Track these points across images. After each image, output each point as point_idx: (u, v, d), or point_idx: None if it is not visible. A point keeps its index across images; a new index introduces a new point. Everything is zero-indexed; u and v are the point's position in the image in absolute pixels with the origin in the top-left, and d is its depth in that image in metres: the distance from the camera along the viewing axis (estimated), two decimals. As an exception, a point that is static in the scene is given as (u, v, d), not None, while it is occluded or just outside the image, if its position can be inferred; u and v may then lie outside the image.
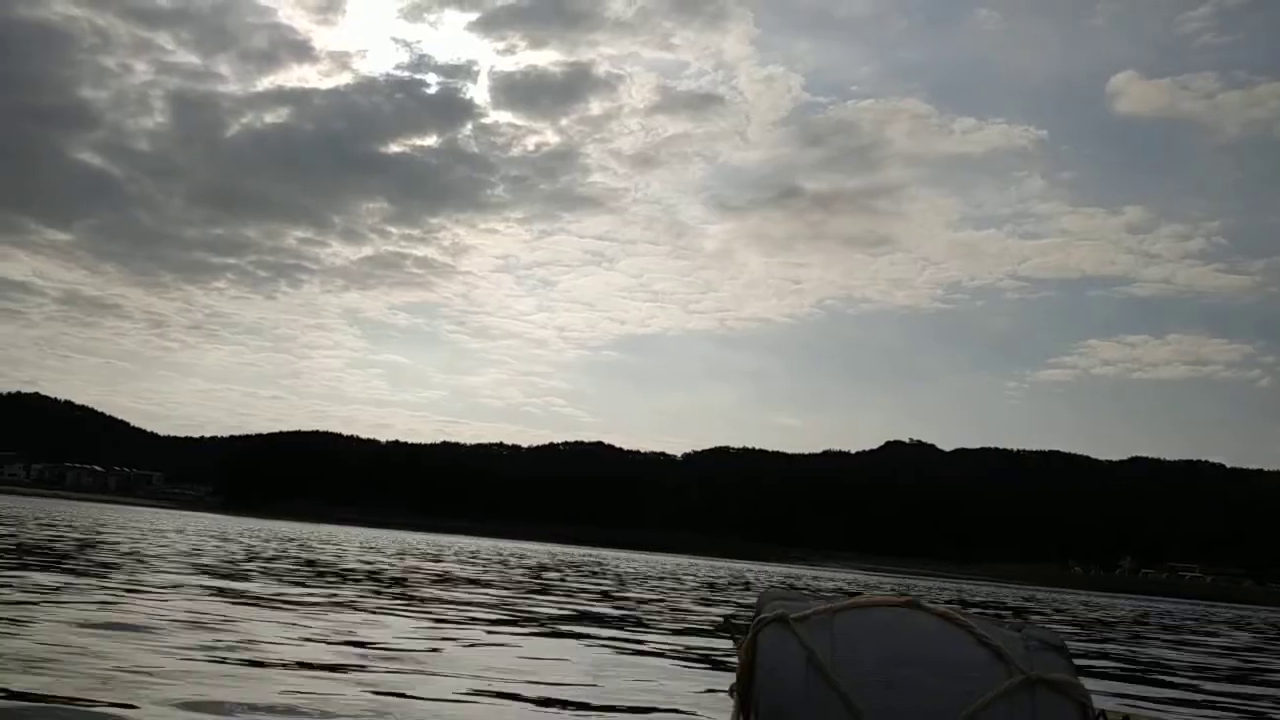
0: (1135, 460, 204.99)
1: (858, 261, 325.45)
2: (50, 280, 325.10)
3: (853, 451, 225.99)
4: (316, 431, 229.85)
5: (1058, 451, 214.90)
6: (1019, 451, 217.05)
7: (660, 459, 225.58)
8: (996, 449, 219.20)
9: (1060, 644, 1.82)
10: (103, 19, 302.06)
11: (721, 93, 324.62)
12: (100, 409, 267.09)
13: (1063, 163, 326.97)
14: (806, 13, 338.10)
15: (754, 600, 1.92)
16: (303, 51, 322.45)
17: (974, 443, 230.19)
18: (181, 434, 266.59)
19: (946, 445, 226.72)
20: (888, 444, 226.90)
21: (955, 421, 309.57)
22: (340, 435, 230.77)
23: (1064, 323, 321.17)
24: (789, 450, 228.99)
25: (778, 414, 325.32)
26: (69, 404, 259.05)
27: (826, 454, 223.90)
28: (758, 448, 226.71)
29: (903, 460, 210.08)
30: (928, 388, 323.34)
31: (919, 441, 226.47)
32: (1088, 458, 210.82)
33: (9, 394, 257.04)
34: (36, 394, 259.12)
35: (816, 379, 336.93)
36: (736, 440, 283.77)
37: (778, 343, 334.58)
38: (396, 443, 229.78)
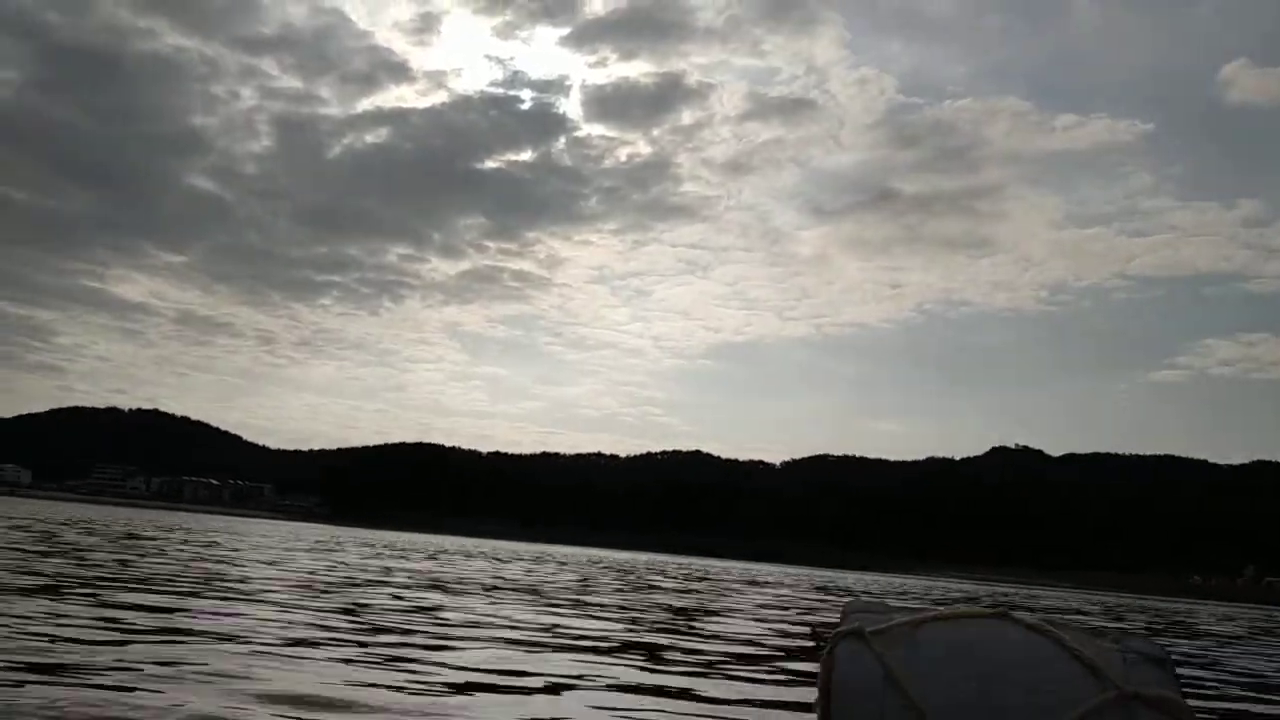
0: (1258, 464, 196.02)
1: (958, 264, 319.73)
2: (167, 301, 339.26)
3: (956, 458, 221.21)
4: (420, 443, 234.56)
5: (1173, 456, 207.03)
6: (1132, 456, 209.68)
7: (758, 467, 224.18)
8: (1108, 454, 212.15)
9: (1163, 657, 1.72)
10: (211, 48, 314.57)
11: (813, 97, 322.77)
12: (215, 424, 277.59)
13: (1171, 156, 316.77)
14: (898, 14, 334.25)
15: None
16: (400, 72, 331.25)
17: (1084, 448, 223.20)
18: (291, 447, 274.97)
19: (1054, 451, 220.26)
20: (993, 450, 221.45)
21: (1063, 426, 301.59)
22: (443, 447, 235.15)
23: (1177, 322, 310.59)
24: (890, 457, 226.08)
25: (878, 420, 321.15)
26: (186, 419, 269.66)
27: (929, 461, 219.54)
28: (858, 455, 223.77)
29: (1009, 467, 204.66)
30: (1034, 392, 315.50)
31: (1025, 447, 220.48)
32: (1206, 462, 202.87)
33: (131, 410, 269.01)
34: (156, 410, 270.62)
35: (918, 384, 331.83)
36: (836, 447, 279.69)
37: (876, 348, 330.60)
38: (498, 453, 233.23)
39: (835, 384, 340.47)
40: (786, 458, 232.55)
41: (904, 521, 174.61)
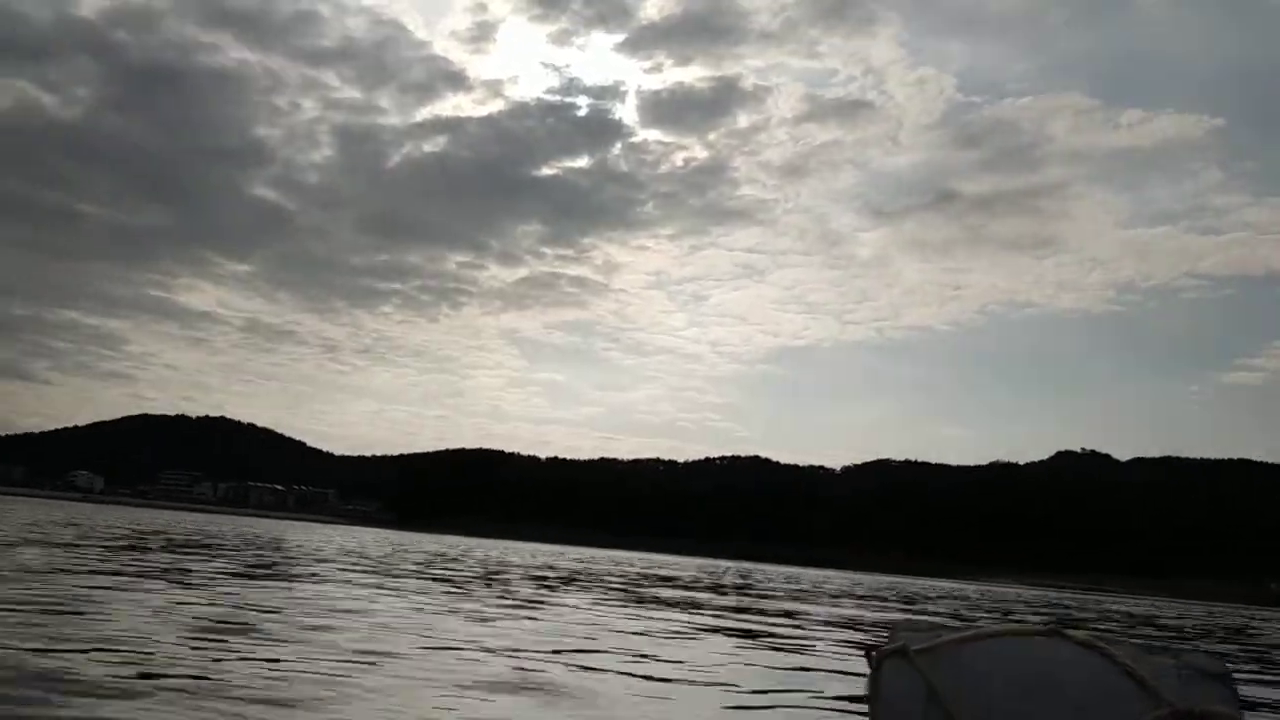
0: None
1: (1022, 265, 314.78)
2: (233, 310, 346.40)
3: (1021, 463, 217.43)
4: (480, 449, 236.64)
5: (1247, 460, 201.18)
6: (1203, 461, 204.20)
7: (819, 472, 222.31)
8: (1178, 458, 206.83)
9: (1222, 672, 1.66)
10: (273, 61, 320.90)
11: (871, 98, 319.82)
12: (280, 430, 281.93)
13: (1243, 152, 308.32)
14: (957, 12, 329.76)
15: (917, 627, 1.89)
16: (458, 81, 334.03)
17: (1153, 452, 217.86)
18: (353, 452, 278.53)
19: (1122, 455, 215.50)
20: (1059, 454, 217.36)
21: (1131, 430, 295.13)
22: (502, 452, 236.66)
23: (1250, 322, 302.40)
24: (953, 462, 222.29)
25: (941, 425, 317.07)
26: (252, 426, 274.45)
27: (994, 465, 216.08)
28: (920, 460, 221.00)
29: (1075, 471, 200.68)
30: (1101, 395, 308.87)
31: (1092, 451, 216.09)
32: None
33: (199, 417, 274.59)
34: (223, 417, 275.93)
35: (981, 388, 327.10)
36: (898, 452, 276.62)
37: (939, 351, 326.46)
38: (556, 459, 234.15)
39: (896, 388, 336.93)
40: (847, 463, 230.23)
41: (968, 528, 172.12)
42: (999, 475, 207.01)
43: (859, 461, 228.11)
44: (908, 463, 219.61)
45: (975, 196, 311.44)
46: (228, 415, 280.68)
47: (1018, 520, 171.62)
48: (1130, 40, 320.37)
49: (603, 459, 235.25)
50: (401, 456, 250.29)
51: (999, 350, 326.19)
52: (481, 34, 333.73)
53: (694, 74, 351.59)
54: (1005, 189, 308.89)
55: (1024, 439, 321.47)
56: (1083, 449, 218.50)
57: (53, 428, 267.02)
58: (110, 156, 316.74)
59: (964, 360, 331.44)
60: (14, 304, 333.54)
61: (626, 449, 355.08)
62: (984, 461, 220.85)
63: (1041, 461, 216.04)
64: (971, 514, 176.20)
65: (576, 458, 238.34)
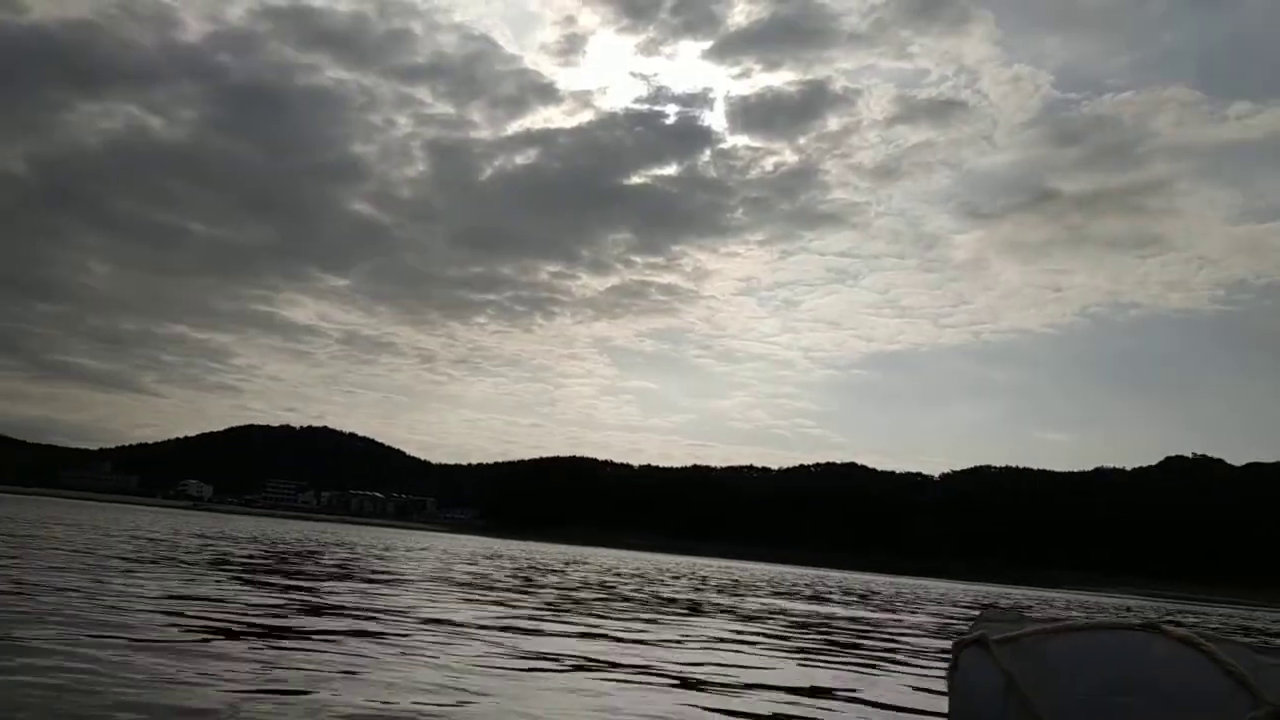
0: None
1: (1125, 264, 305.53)
2: (332, 322, 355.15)
3: (1128, 469, 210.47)
4: (574, 457, 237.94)
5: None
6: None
7: (916, 479, 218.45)
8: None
9: None
10: (368, 79, 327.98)
11: (964, 97, 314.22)
12: (379, 439, 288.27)
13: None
14: (1052, 7, 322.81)
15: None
16: (548, 94, 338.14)
17: (1269, 456, 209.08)
18: (450, 461, 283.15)
19: (1236, 460, 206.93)
20: (1167, 460, 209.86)
21: (1245, 434, 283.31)
22: (595, 460, 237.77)
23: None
24: (1056, 468, 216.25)
25: (1043, 430, 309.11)
26: (353, 435, 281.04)
27: (1098, 472, 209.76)
28: (1022, 466, 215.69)
29: (1185, 478, 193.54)
30: (1211, 398, 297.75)
31: (1203, 456, 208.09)
32: None
33: (302, 427, 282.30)
34: (325, 427, 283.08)
35: (1084, 392, 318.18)
36: (998, 459, 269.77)
37: (1039, 355, 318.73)
38: (649, 466, 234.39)
39: (996, 393, 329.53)
40: (946, 469, 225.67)
41: (1072, 536, 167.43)
42: (1105, 482, 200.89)
43: (958, 468, 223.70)
44: (1008, 469, 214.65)
45: (1075, 195, 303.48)
46: (329, 425, 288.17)
47: (1124, 528, 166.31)
48: (1234, 29, 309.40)
49: (696, 466, 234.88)
50: (497, 465, 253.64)
51: (1102, 353, 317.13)
52: (571, 46, 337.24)
53: (783, 78, 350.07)
54: (1107, 187, 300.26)
55: (1130, 444, 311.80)
56: (1193, 454, 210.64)
57: (163, 438, 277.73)
58: (215, 176, 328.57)
59: (1065, 363, 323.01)
60: (126, 319, 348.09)
61: (719, 456, 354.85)
62: (1088, 468, 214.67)
63: (1149, 467, 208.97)
64: (1076, 521, 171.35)
65: (670, 465, 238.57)
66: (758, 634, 8.36)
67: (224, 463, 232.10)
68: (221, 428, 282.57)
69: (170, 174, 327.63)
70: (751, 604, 13.87)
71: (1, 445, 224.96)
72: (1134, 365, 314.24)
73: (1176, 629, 1.63)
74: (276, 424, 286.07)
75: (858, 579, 53.31)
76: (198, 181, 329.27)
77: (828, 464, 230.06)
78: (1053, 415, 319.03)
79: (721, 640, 7.36)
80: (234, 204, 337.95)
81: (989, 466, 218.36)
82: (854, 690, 5.15)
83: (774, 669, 5.83)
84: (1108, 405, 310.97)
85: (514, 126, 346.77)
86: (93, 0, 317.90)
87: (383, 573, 12.93)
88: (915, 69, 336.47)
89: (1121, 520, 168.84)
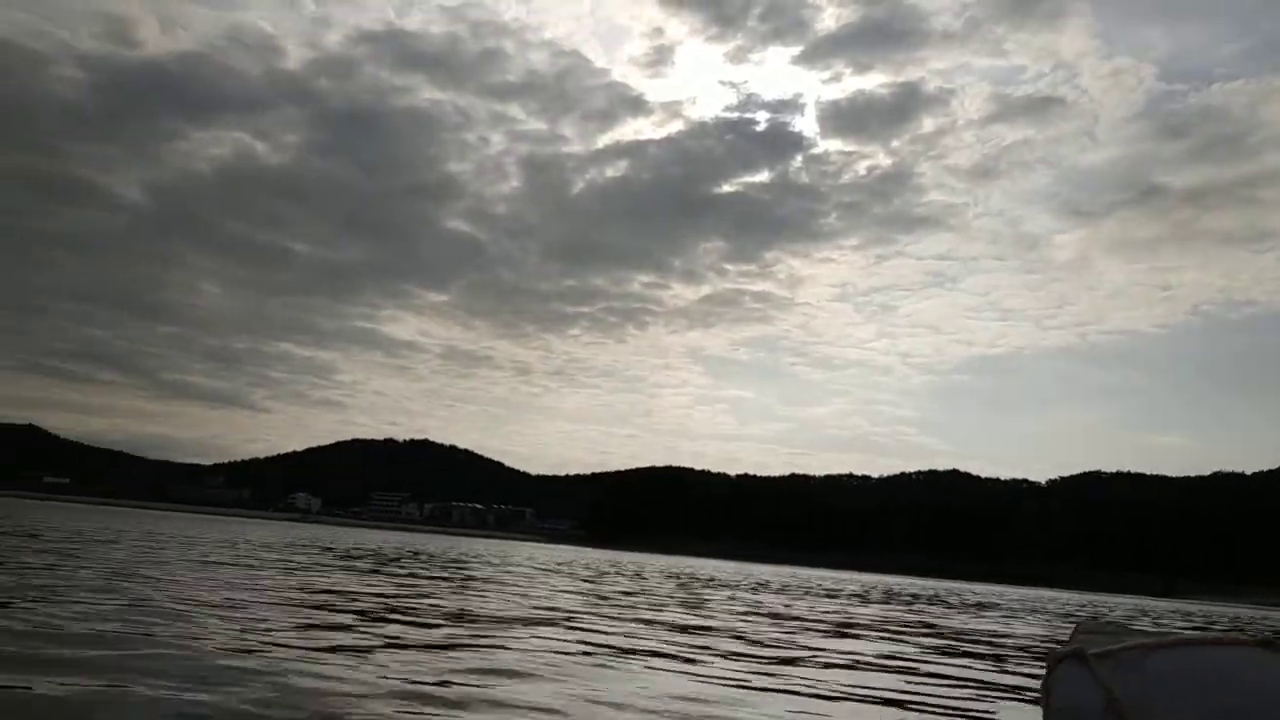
0: None
1: (1239, 260, 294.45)
2: (432, 338, 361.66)
3: (1248, 473, 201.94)
4: (670, 467, 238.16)
5: None
6: None
7: (1022, 486, 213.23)
8: None
9: None
10: (463, 99, 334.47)
11: (1063, 93, 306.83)
12: (479, 451, 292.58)
13: None
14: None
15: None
16: (637, 106, 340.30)
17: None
18: (548, 472, 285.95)
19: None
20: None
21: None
22: (692, 470, 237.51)
23: None
24: (1171, 473, 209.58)
25: (1155, 434, 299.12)
26: (453, 448, 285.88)
27: (1216, 476, 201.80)
28: (1134, 471, 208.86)
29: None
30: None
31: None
32: None
33: (405, 441, 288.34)
34: (426, 440, 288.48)
35: (1198, 393, 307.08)
36: (1108, 464, 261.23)
37: (1148, 356, 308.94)
38: (746, 475, 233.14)
39: (1104, 396, 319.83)
40: (1053, 476, 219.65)
41: (1191, 543, 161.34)
42: (1224, 486, 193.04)
43: (1066, 474, 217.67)
44: (1120, 474, 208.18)
45: (1184, 190, 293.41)
46: (431, 438, 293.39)
47: (1244, 534, 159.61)
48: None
49: (794, 474, 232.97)
50: (595, 475, 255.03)
51: (1216, 352, 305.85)
52: (659, 58, 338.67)
53: (874, 81, 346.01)
54: (1217, 180, 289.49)
55: (1249, 446, 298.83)
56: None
57: (272, 453, 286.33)
58: (317, 197, 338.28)
59: (1177, 364, 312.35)
60: (237, 338, 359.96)
61: (817, 464, 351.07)
62: (1205, 472, 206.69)
63: (1271, 471, 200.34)
64: (1193, 528, 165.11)
65: (768, 474, 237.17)
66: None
67: (331, 476, 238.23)
68: (328, 442, 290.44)
69: (275, 197, 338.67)
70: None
71: (122, 462, 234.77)
72: (1250, 365, 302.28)
73: None
74: (380, 438, 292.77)
75: (975, 589, 52.23)
76: (301, 203, 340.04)
77: (930, 471, 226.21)
78: (1165, 418, 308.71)
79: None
80: (335, 224, 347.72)
81: (1099, 472, 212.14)
82: None
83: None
84: (1224, 407, 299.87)
85: (604, 139, 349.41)
86: (200, 32, 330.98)
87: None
88: (1011, 66, 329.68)
89: (1244, 527, 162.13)
